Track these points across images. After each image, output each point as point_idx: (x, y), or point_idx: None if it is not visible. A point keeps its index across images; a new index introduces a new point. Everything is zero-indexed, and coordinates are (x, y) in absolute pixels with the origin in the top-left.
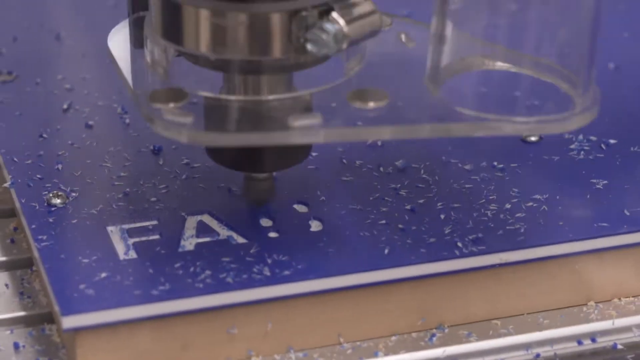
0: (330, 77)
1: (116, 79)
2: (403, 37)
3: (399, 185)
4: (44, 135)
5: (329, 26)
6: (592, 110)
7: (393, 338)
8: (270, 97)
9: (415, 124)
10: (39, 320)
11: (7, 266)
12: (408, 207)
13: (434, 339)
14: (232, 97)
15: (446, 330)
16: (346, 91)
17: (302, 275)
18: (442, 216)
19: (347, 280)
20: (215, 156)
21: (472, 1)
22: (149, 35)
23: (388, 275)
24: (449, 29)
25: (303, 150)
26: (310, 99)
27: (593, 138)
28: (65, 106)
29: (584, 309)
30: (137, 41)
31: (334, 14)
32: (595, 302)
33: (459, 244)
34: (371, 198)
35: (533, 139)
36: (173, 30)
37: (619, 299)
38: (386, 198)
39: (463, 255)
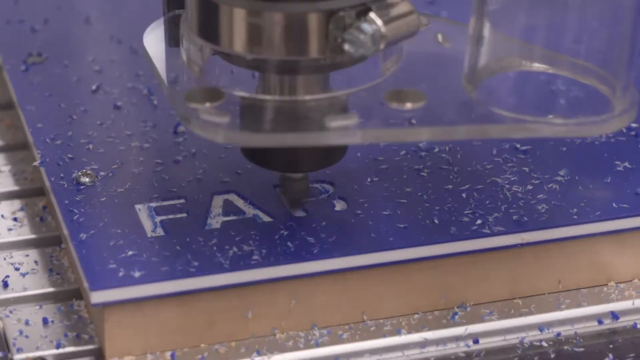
0: (366, 77)
1: (143, 62)
2: (440, 37)
3: (421, 166)
4: (74, 116)
5: (366, 27)
6: (631, 113)
7: (415, 316)
8: (307, 98)
9: (452, 126)
10: (67, 296)
11: (37, 244)
12: (431, 186)
13: (456, 317)
14: (268, 97)
15: (468, 309)
16: (383, 92)
17: (326, 253)
18: (464, 195)
19: (370, 258)
20: (251, 156)
21: (510, 2)
22: (185, 34)
23: (410, 254)
24: (487, 30)
25: (339, 151)
26: (347, 100)
27: None
28: (94, 87)
29: (605, 289)
30: (172, 39)
31: (372, 15)
32: (616, 283)
33: (481, 223)
34: (395, 179)
35: None
36: (209, 29)
37: (639, 279)
38: (409, 178)
39: (484, 235)
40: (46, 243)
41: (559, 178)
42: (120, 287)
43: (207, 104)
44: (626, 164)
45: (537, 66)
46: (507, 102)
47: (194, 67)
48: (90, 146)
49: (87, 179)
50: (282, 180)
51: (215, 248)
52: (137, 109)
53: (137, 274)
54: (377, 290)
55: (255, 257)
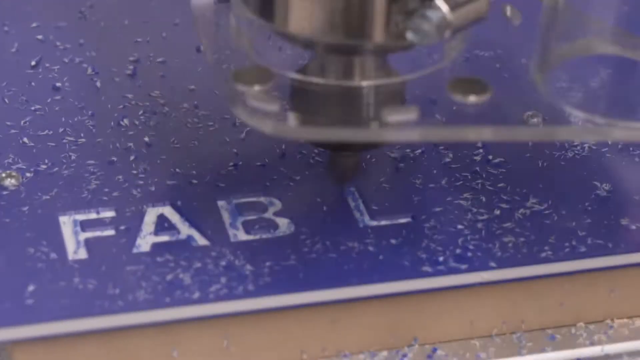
0: (428, 60)
1: (92, 31)
2: (508, 10)
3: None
4: (5, 100)
5: (431, 14)
6: None
7: (360, 356)
8: (363, 83)
9: (518, 126)
10: None
11: None
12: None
13: (405, 358)
14: (321, 81)
15: (417, 347)
16: (444, 79)
17: (262, 290)
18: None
19: (312, 296)
20: None
21: None
22: (234, 5)
23: (357, 292)
24: (562, 7)
25: None
26: (404, 86)
27: None
28: (33, 62)
29: (572, 330)
30: None
31: (437, 0)
32: (585, 324)
33: (436, 260)
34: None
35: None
36: (265, 5)
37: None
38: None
39: (439, 274)
40: None
41: (530, 204)
42: (31, 324)
43: (256, 87)
44: (607, 186)
45: (614, 49)
46: (578, 97)
47: (242, 39)
48: (20, 139)
49: (12, 182)
50: (331, 155)
51: (140, 277)
52: (78, 93)
53: (51, 310)
54: (318, 330)
55: (182, 291)
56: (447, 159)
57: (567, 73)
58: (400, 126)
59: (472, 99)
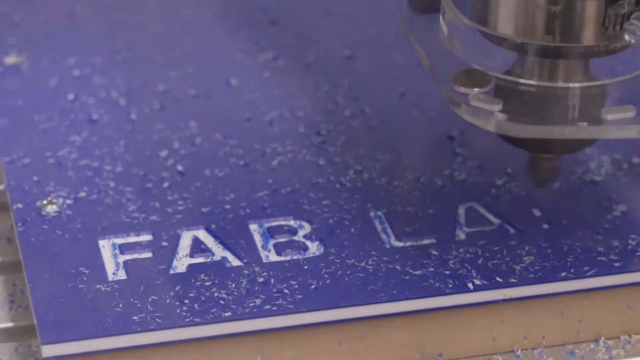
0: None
1: (124, 66)
2: None
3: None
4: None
5: None
6: None
7: None
8: (577, 85)
9: None
10: (27, 334)
11: (1, 268)
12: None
13: None
14: (536, 83)
15: None
16: None
17: (294, 307)
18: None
19: (343, 313)
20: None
21: None
22: (446, 7)
23: (385, 309)
24: None
25: None
26: (606, 90)
27: None
28: (71, 97)
29: (592, 345)
30: (419, 3)
31: None
32: (605, 339)
33: (460, 275)
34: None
35: None
36: (478, 10)
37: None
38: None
39: (464, 291)
40: (11, 268)
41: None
42: (74, 342)
43: (476, 89)
44: (622, 207)
45: None
46: None
47: (455, 42)
48: (59, 168)
49: (52, 209)
50: (532, 158)
51: (176, 297)
52: (113, 124)
53: (92, 327)
54: (347, 344)
55: (217, 309)
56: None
57: None
58: (619, 123)
59: None
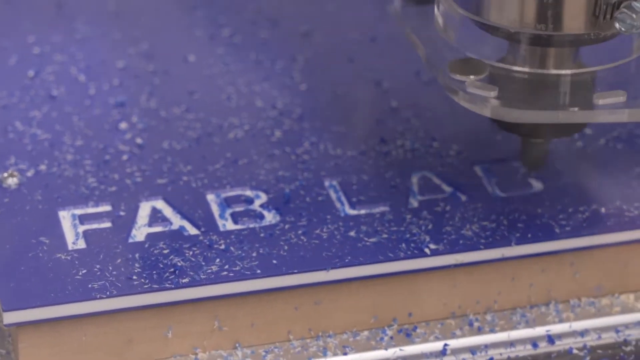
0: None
1: (84, 41)
2: None
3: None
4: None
5: (638, 5)
6: None
7: (344, 336)
8: (568, 72)
9: None
10: None
11: None
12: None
13: (385, 337)
14: (529, 70)
15: (396, 328)
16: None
17: (250, 272)
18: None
19: (296, 279)
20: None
21: None
22: (443, 2)
23: (341, 274)
24: None
25: None
26: (595, 76)
27: None
28: (31, 73)
29: (543, 309)
30: None
31: None
32: (555, 302)
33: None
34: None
35: None
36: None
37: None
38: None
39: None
40: None
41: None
42: (35, 308)
43: (472, 77)
44: (571, 176)
45: None
46: None
47: (450, 32)
48: (19, 143)
49: (13, 181)
50: (523, 143)
51: (136, 264)
52: (72, 99)
53: (52, 294)
54: (303, 309)
55: (175, 276)
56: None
57: None
58: (611, 108)
59: None
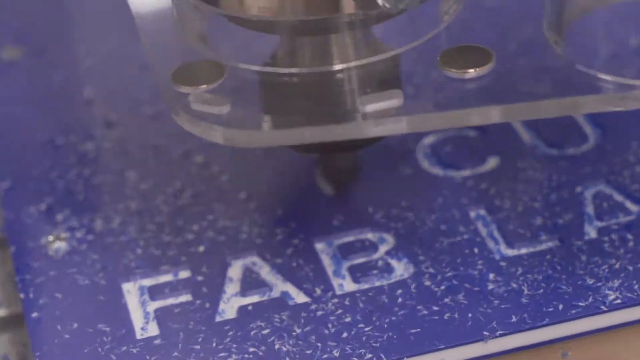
0: (415, 30)
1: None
2: None
3: None
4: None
5: None
6: None
7: None
8: (338, 67)
9: (532, 100)
10: None
11: (5, 323)
12: None
13: None
14: (283, 70)
15: None
16: (436, 51)
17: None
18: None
19: None
20: None
21: None
22: None
23: None
24: None
25: None
26: (392, 64)
27: None
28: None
29: None
30: None
31: None
32: None
33: None
34: None
35: None
36: None
37: None
38: None
39: None
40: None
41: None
42: None
43: (202, 87)
44: None
45: None
46: (605, 59)
47: (189, 33)
48: (66, 188)
49: (61, 245)
50: (323, 161)
51: (226, 355)
52: (133, 127)
53: None
54: None
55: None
56: None
57: (588, 29)
58: (382, 117)
59: (471, 72)
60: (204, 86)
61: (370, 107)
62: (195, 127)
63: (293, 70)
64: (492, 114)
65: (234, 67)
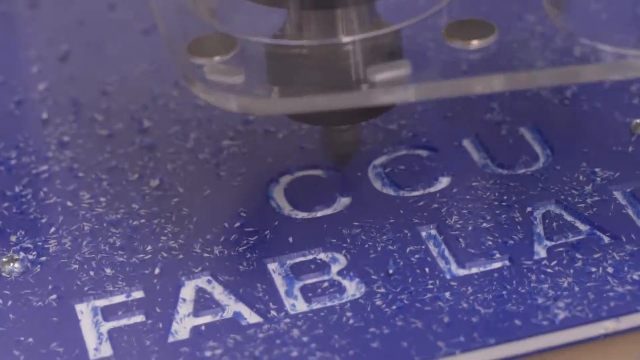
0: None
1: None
2: None
3: None
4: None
5: None
6: None
7: None
8: (346, 39)
9: (533, 69)
10: None
11: None
12: None
13: None
14: (293, 42)
15: None
16: (441, 24)
17: None
18: None
19: None
20: None
21: None
22: None
23: None
24: None
25: None
26: (396, 38)
27: None
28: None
29: None
30: None
31: None
32: None
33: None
34: None
35: None
36: None
37: None
38: None
39: None
40: None
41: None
42: None
43: (216, 58)
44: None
45: None
46: (601, 28)
47: (201, 6)
48: (19, 209)
49: (15, 267)
50: (326, 133)
51: None
52: (88, 144)
53: None
54: None
55: None
56: None
57: (587, 0)
58: (391, 85)
59: (475, 43)
60: (218, 57)
61: (379, 76)
62: (209, 96)
63: (302, 42)
64: (495, 82)
65: (245, 40)
